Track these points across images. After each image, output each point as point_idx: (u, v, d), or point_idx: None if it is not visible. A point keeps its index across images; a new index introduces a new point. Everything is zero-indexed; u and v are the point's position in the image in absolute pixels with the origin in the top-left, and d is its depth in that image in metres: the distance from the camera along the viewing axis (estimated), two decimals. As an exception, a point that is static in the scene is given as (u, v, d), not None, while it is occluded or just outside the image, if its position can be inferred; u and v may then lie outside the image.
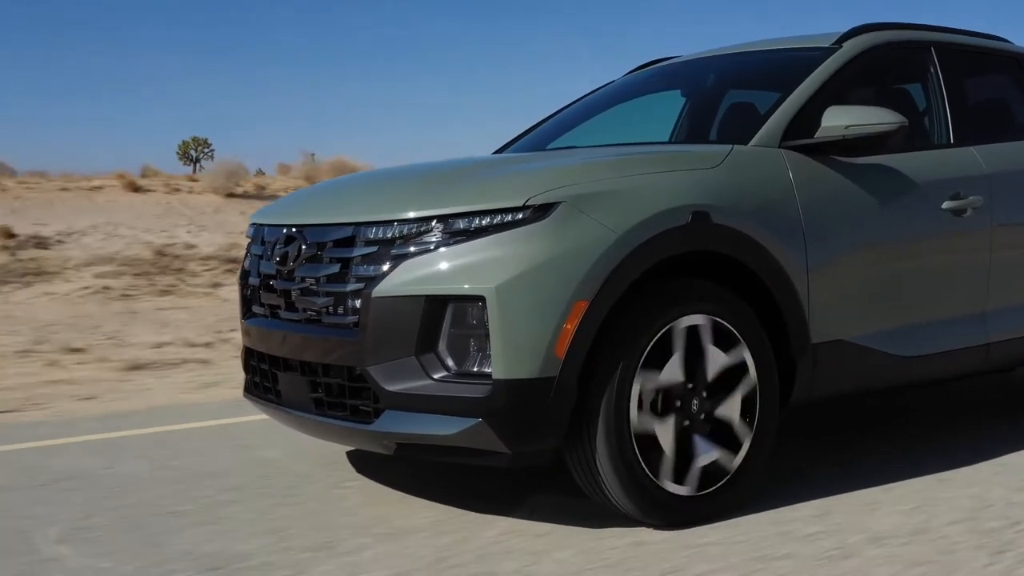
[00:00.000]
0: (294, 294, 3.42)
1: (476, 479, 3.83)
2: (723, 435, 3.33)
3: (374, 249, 3.20)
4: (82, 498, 3.76)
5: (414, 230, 3.16)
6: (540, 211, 3.08)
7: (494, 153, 4.92)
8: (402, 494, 3.72)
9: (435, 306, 3.08)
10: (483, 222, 3.10)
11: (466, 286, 3.03)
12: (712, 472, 3.30)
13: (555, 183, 3.14)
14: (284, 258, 3.44)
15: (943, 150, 4.18)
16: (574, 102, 5.07)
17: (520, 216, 3.08)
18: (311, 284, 3.35)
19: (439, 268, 3.08)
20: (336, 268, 3.28)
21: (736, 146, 3.60)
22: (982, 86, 4.62)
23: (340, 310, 3.26)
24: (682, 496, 3.25)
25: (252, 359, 3.77)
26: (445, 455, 3.21)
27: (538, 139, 4.87)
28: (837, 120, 3.64)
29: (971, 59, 4.56)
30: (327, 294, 3.30)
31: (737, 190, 3.43)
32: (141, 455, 4.44)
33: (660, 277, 3.22)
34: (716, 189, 3.38)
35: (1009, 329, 4.23)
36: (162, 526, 3.42)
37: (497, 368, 3.00)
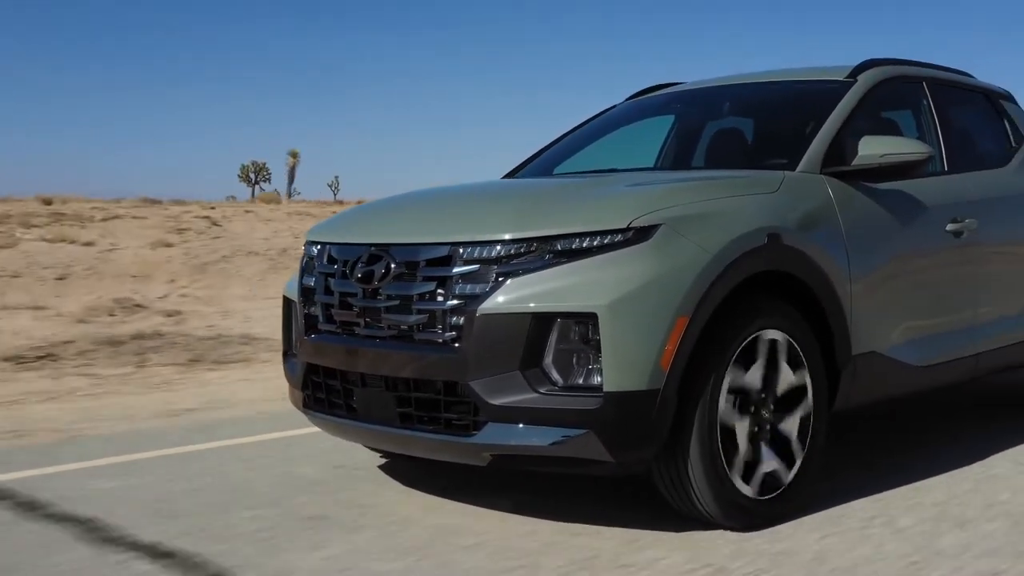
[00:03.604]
0: (379, 311, 3.49)
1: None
2: (782, 449, 3.57)
3: (474, 268, 3.32)
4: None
5: (518, 250, 3.30)
6: (643, 233, 3.27)
7: (504, 177, 5.06)
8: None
9: (542, 323, 3.22)
10: (587, 243, 3.27)
11: (578, 304, 3.18)
12: (770, 481, 3.53)
13: (654, 206, 3.34)
14: (368, 276, 3.51)
15: (941, 177, 4.56)
16: (577, 127, 5.26)
17: (624, 237, 3.26)
18: (401, 301, 3.44)
19: (546, 287, 3.22)
20: (431, 286, 3.38)
21: (787, 172, 3.87)
22: (961, 117, 5.03)
23: (436, 327, 3.36)
24: (760, 499, 3.47)
25: (316, 375, 3.81)
26: (546, 465, 3.36)
27: (545, 163, 5.05)
28: (873, 149, 3.95)
29: (952, 93, 4.98)
30: (420, 311, 3.39)
31: (795, 213, 3.70)
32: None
33: (742, 294, 3.44)
34: (781, 212, 3.64)
35: (994, 339, 4.63)
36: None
37: (608, 381, 3.16)
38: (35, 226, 17.31)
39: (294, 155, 33.75)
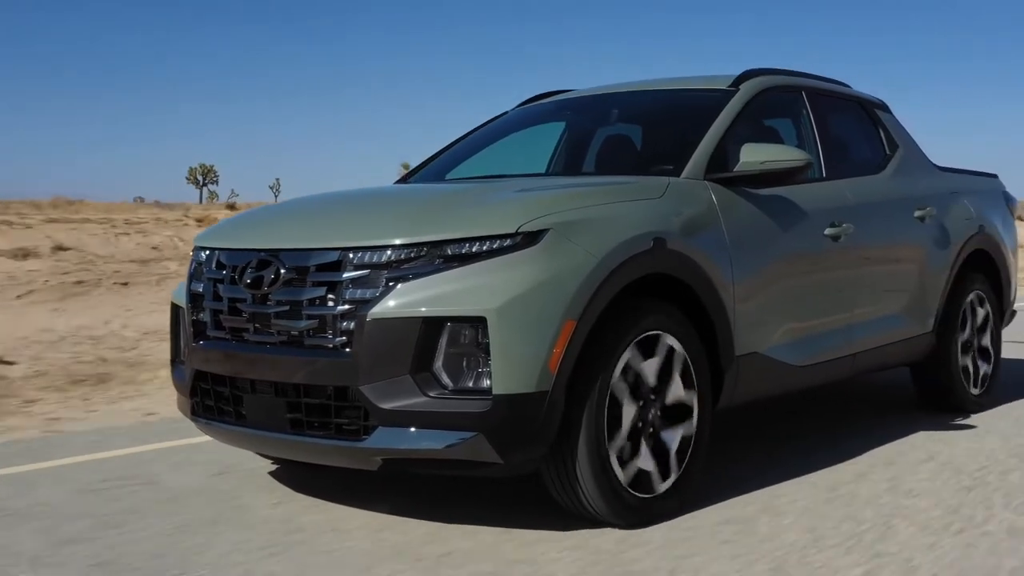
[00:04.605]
0: (269, 317, 3.48)
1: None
2: (667, 445, 3.67)
3: (364, 273, 3.33)
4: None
5: (408, 255, 3.32)
6: (531, 237, 3.32)
7: (397, 182, 5.08)
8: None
9: (432, 327, 3.25)
10: (476, 248, 3.31)
11: (468, 308, 3.22)
12: (646, 479, 3.60)
13: (542, 211, 3.40)
14: (257, 282, 3.50)
15: (820, 183, 4.72)
16: (469, 133, 5.30)
17: (513, 242, 3.31)
18: (291, 307, 3.43)
19: (436, 291, 3.25)
20: (321, 291, 3.38)
21: (672, 179, 3.97)
22: (838, 126, 5.21)
23: (327, 332, 3.36)
24: (645, 498, 3.55)
25: (205, 382, 3.77)
26: (436, 468, 3.38)
27: (437, 169, 5.08)
28: (754, 156, 4.08)
29: (829, 102, 5.16)
30: (310, 316, 3.39)
31: (680, 218, 3.80)
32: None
33: (628, 297, 3.52)
34: (666, 217, 3.73)
35: (869, 339, 4.83)
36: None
37: (497, 384, 3.21)
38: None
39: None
